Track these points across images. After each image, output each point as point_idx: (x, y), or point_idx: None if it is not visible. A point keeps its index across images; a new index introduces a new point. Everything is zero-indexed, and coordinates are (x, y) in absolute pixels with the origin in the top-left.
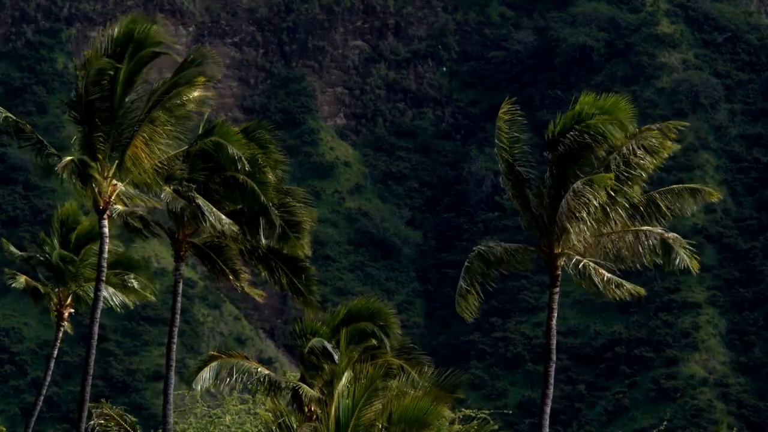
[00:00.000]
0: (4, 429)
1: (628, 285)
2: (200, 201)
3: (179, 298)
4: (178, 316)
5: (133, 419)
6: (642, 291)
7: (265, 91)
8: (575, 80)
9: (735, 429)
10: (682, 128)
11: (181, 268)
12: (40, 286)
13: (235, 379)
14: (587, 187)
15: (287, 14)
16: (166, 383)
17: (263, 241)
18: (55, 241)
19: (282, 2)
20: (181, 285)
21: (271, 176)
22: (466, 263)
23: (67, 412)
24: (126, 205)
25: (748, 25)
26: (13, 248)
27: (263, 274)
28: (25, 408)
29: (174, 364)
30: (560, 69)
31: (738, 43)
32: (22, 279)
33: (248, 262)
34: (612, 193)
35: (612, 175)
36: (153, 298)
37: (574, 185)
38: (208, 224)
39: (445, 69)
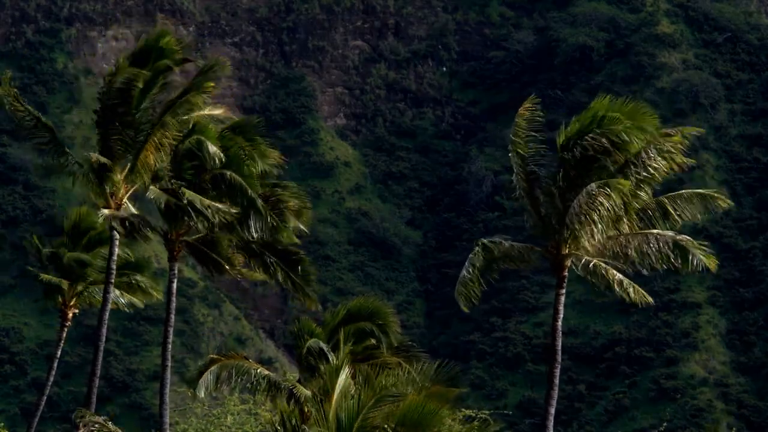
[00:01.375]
0: (4, 426)
1: (640, 291)
2: (189, 195)
3: (174, 298)
4: (173, 316)
5: (116, 429)
6: (650, 300)
7: (265, 91)
8: (575, 80)
9: (734, 429)
10: (697, 134)
11: (174, 267)
12: (62, 283)
13: (236, 380)
14: (601, 190)
15: (287, 14)
16: (162, 383)
17: (255, 233)
18: (49, 241)
19: (282, 2)
20: (175, 284)
21: (257, 168)
22: (470, 255)
23: (67, 412)
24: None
25: (748, 25)
26: (38, 244)
27: (259, 270)
28: (25, 408)
29: (170, 364)
30: (560, 69)
31: (738, 43)
32: (47, 276)
33: (243, 259)
34: (625, 198)
35: (628, 182)
36: (159, 297)
37: (588, 187)
38: (200, 216)
39: (445, 69)
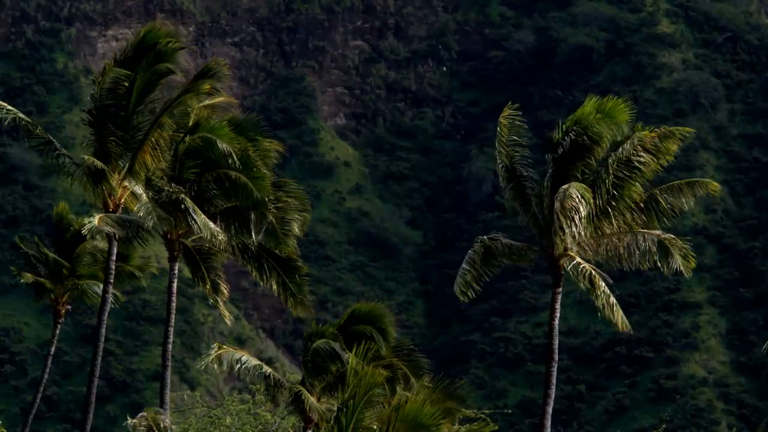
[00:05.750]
0: (3, 429)
1: (620, 318)
2: (189, 205)
3: (174, 298)
4: (173, 316)
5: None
6: (629, 328)
7: (265, 91)
8: (575, 80)
9: (734, 429)
10: (687, 134)
11: (175, 267)
12: (46, 282)
13: (242, 368)
14: (571, 191)
15: (287, 14)
16: (162, 383)
17: (254, 237)
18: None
19: (282, 2)
20: (175, 284)
21: (264, 169)
22: (470, 251)
23: (66, 412)
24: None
25: (748, 25)
26: (20, 243)
27: (254, 273)
28: (25, 408)
29: (170, 364)
30: (560, 69)
31: (738, 43)
32: (28, 276)
33: (240, 260)
34: (615, 192)
35: (583, 185)
36: (144, 283)
37: (560, 189)
38: (195, 228)
39: (445, 69)
